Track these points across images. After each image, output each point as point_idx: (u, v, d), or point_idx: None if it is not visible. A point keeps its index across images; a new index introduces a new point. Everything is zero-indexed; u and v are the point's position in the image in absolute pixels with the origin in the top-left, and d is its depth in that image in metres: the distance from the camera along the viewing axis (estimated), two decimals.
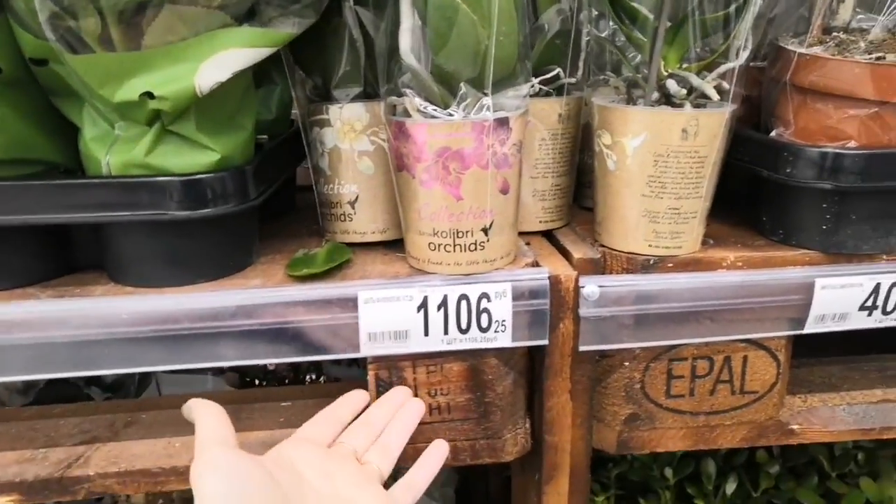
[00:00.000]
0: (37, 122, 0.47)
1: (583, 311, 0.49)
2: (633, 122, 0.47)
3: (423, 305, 0.48)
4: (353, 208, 0.53)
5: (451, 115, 0.44)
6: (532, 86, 0.49)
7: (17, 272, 0.49)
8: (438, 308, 0.48)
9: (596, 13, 0.54)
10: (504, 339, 0.49)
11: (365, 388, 0.51)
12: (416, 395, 0.51)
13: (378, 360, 0.50)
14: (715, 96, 0.47)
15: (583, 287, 0.49)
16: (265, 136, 0.57)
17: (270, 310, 0.47)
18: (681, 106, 0.47)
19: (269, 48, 0.44)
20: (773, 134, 0.52)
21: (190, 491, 0.37)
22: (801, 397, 0.58)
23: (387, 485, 0.46)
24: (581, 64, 0.54)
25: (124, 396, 0.93)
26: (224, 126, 0.47)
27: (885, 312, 0.51)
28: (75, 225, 0.49)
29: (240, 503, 0.36)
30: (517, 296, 0.48)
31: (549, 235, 0.58)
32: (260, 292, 0.47)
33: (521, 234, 0.55)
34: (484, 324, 0.48)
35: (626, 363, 0.53)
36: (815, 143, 0.48)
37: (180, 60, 0.42)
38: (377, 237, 0.54)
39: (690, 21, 0.46)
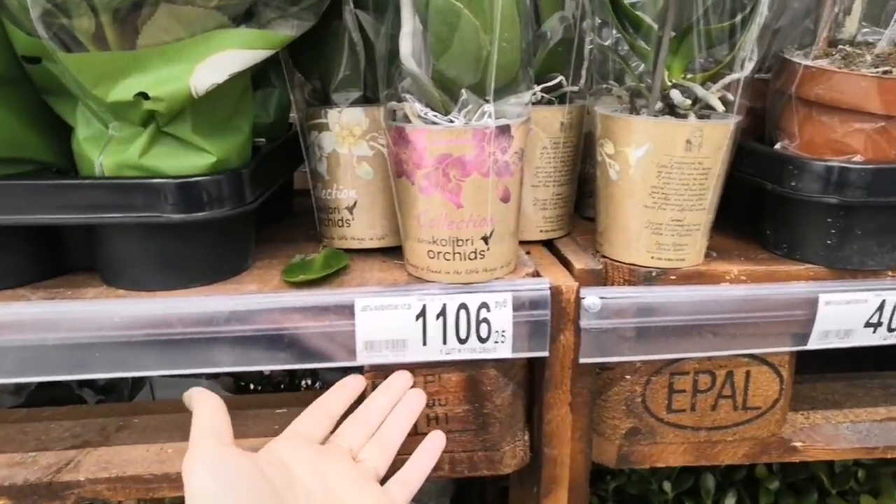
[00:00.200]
0: (29, 121, 0.46)
1: (584, 323, 0.48)
2: (637, 132, 0.46)
3: (422, 314, 0.47)
4: (352, 214, 0.53)
5: (451, 121, 0.43)
6: (534, 93, 0.48)
7: (7, 273, 0.48)
8: (437, 317, 0.47)
9: (599, 21, 0.54)
10: (504, 350, 0.48)
11: (362, 395, 0.50)
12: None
13: (375, 368, 0.49)
14: (720, 107, 0.46)
15: (584, 298, 0.48)
16: (263, 140, 0.57)
17: (266, 316, 0.46)
18: (685, 116, 0.47)
19: (267, 50, 0.44)
20: (777, 146, 0.51)
21: (182, 498, 0.37)
22: (803, 414, 0.57)
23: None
24: (584, 72, 0.54)
25: (118, 399, 0.93)
26: (220, 128, 0.46)
27: (890, 329, 0.50)
28: (67, 226, 0.49)
29: (230, 499, 0.35)
30: (517, 306, 0.47)
31: (549, 245, 0.57)
32: (255, 298, 0.46)
33: (521, 243, 0.54)
34: (483, 334, 0.47)
35: (627, 376, 0.52)
36: (821, 157, 0.48)
37: (176, 61, 0.41)
38: (375, 243, 0.53)
39: (695, 31, 0.45)
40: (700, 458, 0.55)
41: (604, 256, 0.51)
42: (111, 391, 0.92)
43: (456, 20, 0.40)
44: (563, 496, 0.55)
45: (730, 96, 0.47)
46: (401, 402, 0.48)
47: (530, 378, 0.53)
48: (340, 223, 0.53)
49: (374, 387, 0.49)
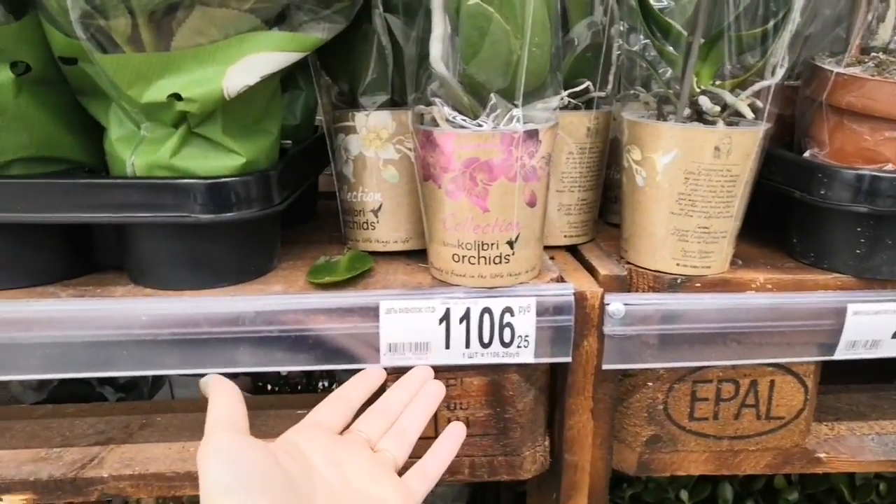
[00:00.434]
0: (63, 120, 0.47)
1: (607, 329, 0.48)
2: (665, 139, 0.46)
3: (446, 318, 0.47)
4: (377, 217, 0.53)
5: (480, 125, 0.44)
6: (562, 98, 0.48)
7: (38, 270, 0.48)
8: (461, 321, 0.47)
9: (627, 27, 0.54)
10: (526, 355, 0.48)
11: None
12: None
13: (397, 371, 0.49)
14: (749, 114, 0.46)
15: (608, 304, 0.48)
16: (289, 142, 0.57)
17: (291, 316, 0.46)
18: (713, 123, 0.46)
19: (299, 53, 0.44)
20: (806, 154, 0.51)
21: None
22: (827, 425, 0.57)
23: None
24: (611, 78, 0.54)
25: (137, 397, 0.94)
26: (250, 130, 0.47)
27: None
28: (98, 225, 0.49)
29: (244, 491, 0.35)
30: (541, 311, 0.47)
31: (573, 251, 0.57)
32: (281, 298, 0.47)
33: (545, 248, 0.54)
34: (506, 338, 0.47)
35: (650, 383, 0.51)
36: (851, 165, 0.47)
37: (209, 63, 0.41)
38: (399, 246, 0.54)
39: (725, 37, 0.45)
40: (721, 467, 0.54)
41: (628, 263, 0.51)
42: (131, 389, 0.93)
43: (487, 24, 0.40)
44: (582, 503, 0.54)
45: (759, 103, 0.46)
46: (420, 393, 0.47)
47: (552, 383, 0.53)
48: (365, 226, 0.53)
49: None
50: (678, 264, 0.49)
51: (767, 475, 0.75)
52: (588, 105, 0.53)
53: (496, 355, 0.48)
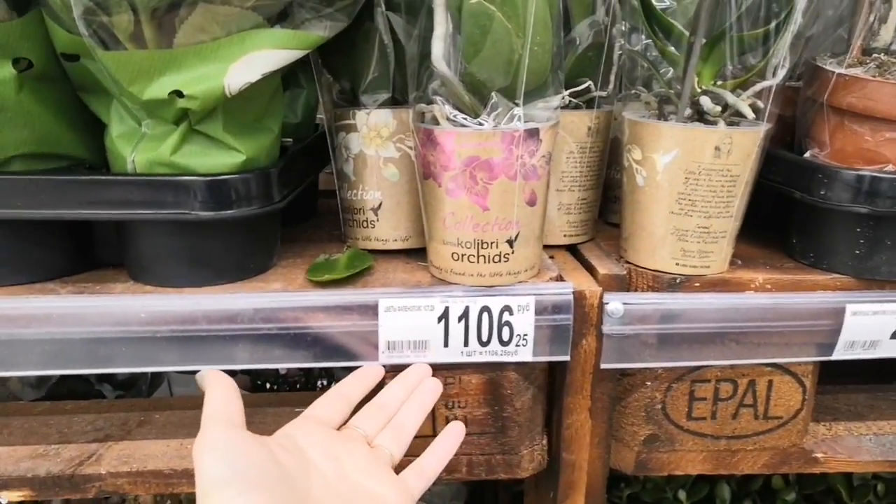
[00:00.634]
0: (64, 117, 0.47)
1: (606, 329, 0.48)
2: (665, 138, 0.46)
3: (444, 316, 0.47)
4: (377, 215, 0.53)
5: (480, 124, 0.44)
6: (563, 98, 0.48)
7: (38, 266, 0.48)
8: (459, 319, 0.47)
9: (629, 27, 0.54)
10: (525, 354, 0.48)
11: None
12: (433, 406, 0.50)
13: (396, 369, 0.49)
14: (750, 115, 0.46)
15: (607, 304, 0.48)
16: (290, 140, 0.57)
17: (290, 314, 0.46)
18: (714, 123, 0.46)
19: (300, 50, 0.44)
20: (807, 155, 0.51)
21: None
22: (825, 425, 0.57)
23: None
24: (612, 77, 0.54)
25: (136, 394, 0.93)
26: (251, 128, 0.46)
27: None
28: (98, 221, 0.49)
29: (240, 485, 0.34)
30: (540, 310, 0.47)
31: (573, 250, 0.57)
32: (280, 296, 0.47)
33: (544, 247, 0.54)
34: (505, 337, 0.48)
35: (648, 383, 0.51)
36: (852, 166, 0.47)
37: (211, 60, 0.41)
38: (399, 245, 0.54)
39: (727, 37, 0.45)
40: (719, 466, 0.54)
41: (628, 262, 0.51)
42: (130, 387, 0.92)
43: (489, 23, 0.40)
44: (580, 502, 0.55)
45: (760, 104, 0.46)
46: (417, 390, 0.47)
47: (550, 382, 0.53)
48: (365, 224, 0.53)
49: None
50: (677, 264, 0.49)
51: (765, 475, 0.75)
52: (589, 104, 0.53)
53: (495, 354, 0.48)
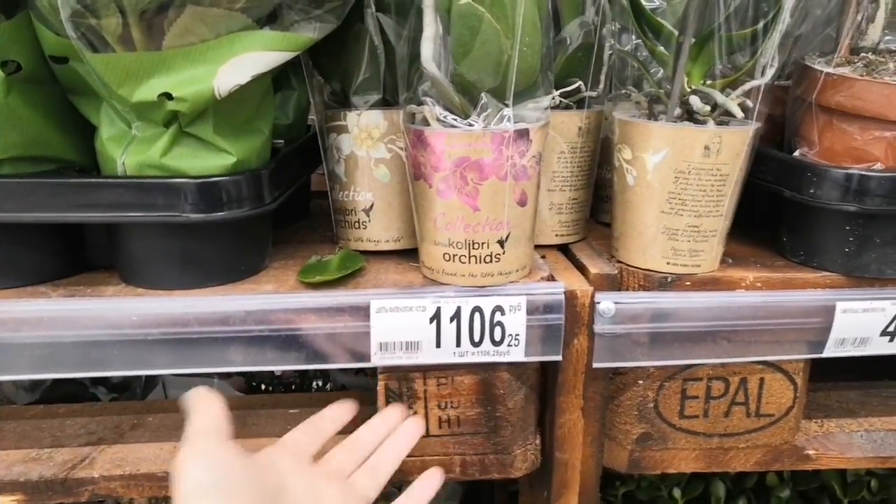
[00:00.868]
0: (54, 119, 0.46)
1: (598, 328, 0.48)
2: (655, 138, 0.46)
3: (436, 317, 0.47)
4: (368, 216, 0.53)
5: (470, 125, 0.44)
6: (553, 98, 0.48)
7: (29, 270, 0.48)
8: (451, 320, 0.47)
9: (619, 27, 0.54)
10: (517, 354, 0.48)
11: (374, 397, 0.50)
12: (425, 406, 0.50)
13: (388, 370, 0.49)
14: (739, 114, 0.46)
15: (598, 303, 0.48)
16: (281, 141, 0.57)
17: (281, 316, 0.46)
18: (703, 123, 0.47)
19: (290, 52, 0.44)
20: (796, 154, 0.51)
21: None
22: (817, 422, 0.57)
23: None
24: (603, 77, 0.54)
25: (130, 397, 0.93)
26: (241, 129, 0.46)
27: None
28: (89, 224, 0.49)
29: (221, 495, 0.34)
30: (531, 310, 0.47)
31: (564, 249, 0.57)
32: (271, 298, 0.47)
33: (536, 247, 0.54)
34: (497, 337, 0.48)
35: (640, 381, 0.52)
36: (840, 165, 0.48)
37: (200, 62, 0.41)
38: (391, 246, 0.54)
39: (716, 37, 0.45)
40: (712, 464, 0.54)
41: (619, 261, 0.51)
42: (124, 389, 0.92)
43: (478, 24, 0.41)
44: (573, 501, 0.55)
45: (749, 103, 0.47)
46: (397, 430, 0.48)
47: (543, 382, 0.53)
48: (357, 225, 0.53)
49: (386, 388, 0.50)
50: (668, 263, 0.49)
51: (759, 473, 0.75)
52: (579, 105, 0.54)
53: (487, 354, 0.48)
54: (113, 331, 0.45)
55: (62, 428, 0.56)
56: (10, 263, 0.47)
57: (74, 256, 0.50)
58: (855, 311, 0.49)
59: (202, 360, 0.47)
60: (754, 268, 0.51)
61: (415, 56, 0.45)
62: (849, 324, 0.49)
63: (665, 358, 0.50)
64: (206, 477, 0.35)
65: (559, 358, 0.49)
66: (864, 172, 0.46)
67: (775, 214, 0.55)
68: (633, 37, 0.53)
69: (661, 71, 0.50)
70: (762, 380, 0.52)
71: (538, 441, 0.54)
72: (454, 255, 0.47)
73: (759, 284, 0.50)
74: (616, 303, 0.48)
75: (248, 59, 0.42)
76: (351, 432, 0.48)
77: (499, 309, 0.47)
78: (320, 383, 1.01)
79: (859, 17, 0.49)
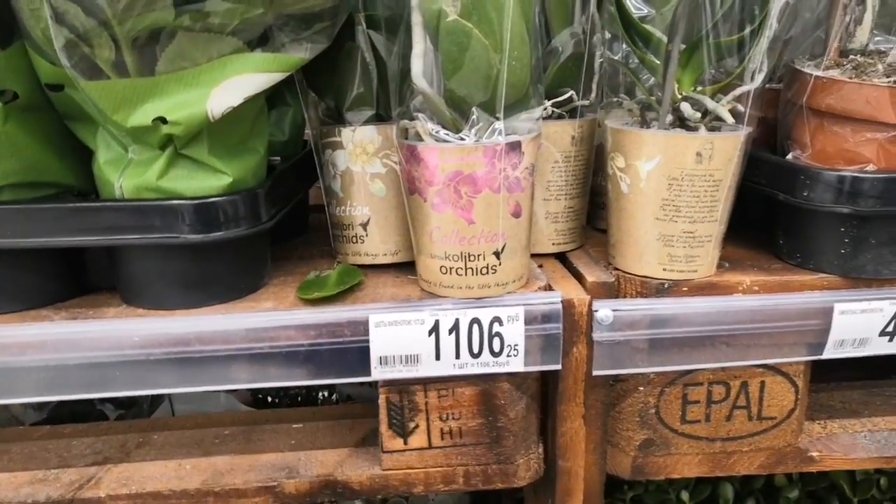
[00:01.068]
0: (51, 145, 0.47)
1: (596, 336, 0.49)
2: (647, 146, 0.47)
3: (435, 329, 0.47)
4: (365, 230, 0.53)
5: (462, 139, 0.44)
6: (545, 109, 0.48)
7: (31, 293, 0.49)
8: (450, 332, 0.47)
9: (609, 35, 0.54)
10: (516, 364, 0.48)
11: (377, 409, 0.51)
12: (427, 419, 0.50)
13: (389, 383, 0.49)
14: (730, 119, 0.46)
15: (596, 311, 0.48)
16: (278, 158, 0.58)
17: (282, 333, 0.47)
18: (695, 129, 0.47)
19: (282, 73, 0.44)
20: (789, 157, 0.51)
21: None
22: (820, 423, 0.57)
23: None
24: (594, 86, 0.54)
25: (137, 413, 0.94)
26: (236, 150, 0.47)
27: None
28: (89, 247, 0.50)
29: None
30: (530, 320, 0.47)
31: (562, 258, 0.57)
32: (271, 315, 0.47)
33: (533, 256, 0.54)
34: (496, 348, 0.48)
35: (641, 388, 0.52)
36: (833, 167, 0.48)
37: (193, 86, 0.42)
38: (389, 259, 0.54)
39: (705, 44, 0.46)
40: (715, 468, 0.54)
41: (616, 269, 0.51)
42: (131, 405, 0.93)
43: (466, 40, 0.41)
44: None
45: (740, 108, 0.47)
46: None
47: (543, 391, 0.54)
48: (354, 239, 0.54)
49: (387, 402, 0.50)
50: (665, 269, 0.49)
51: (768, 473, 0.75)
52: (572, 114, 0.54)
53: (486, 365, 0.48)
54: (116, 352, 0.46)
55: (68, 448, 0.57)
56: (13, 288, 0.48)
57: (76, 279, 0.51)
58: (853, 312, 0.49)
59: (205, 378, 0.47)
60: (751, 271, 0.51)
61: (406, 72, 0.45)
62: (847, 325, 0.49)
63: (665, 364, 0.50)
64: None
65: (559, 367, 0.49)
66: (856, 174, 0.46)
67: (771, 217, 0.55)
68: (623, 45, 0.53)
69: (652, 78, 0.50)
70: (763, 383, 0.52)
71: (541, 450, 0.54)
72: (451, 268, 0.47)
73: (756, 288, 0.50)
74: (614, 310, 0.48)
75: (241, 81, 0.42)
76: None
77: (497, 320, 0.48)
78: (326, 394, 1.01)
79: (847, 20, 0.49)
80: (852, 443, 0.55)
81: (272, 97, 0.59)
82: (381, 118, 0.52)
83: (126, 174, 0.45)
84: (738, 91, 0.47)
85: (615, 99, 0.53)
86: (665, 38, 0.47)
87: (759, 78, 0.46)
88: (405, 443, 0.51)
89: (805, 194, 0.48)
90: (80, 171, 0.49)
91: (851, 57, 0.49)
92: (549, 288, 0.50)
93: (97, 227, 0.45)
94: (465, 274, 0.47)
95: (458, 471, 0.52)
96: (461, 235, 0.46)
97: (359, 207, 0.53)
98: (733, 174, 0.47)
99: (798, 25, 0.54)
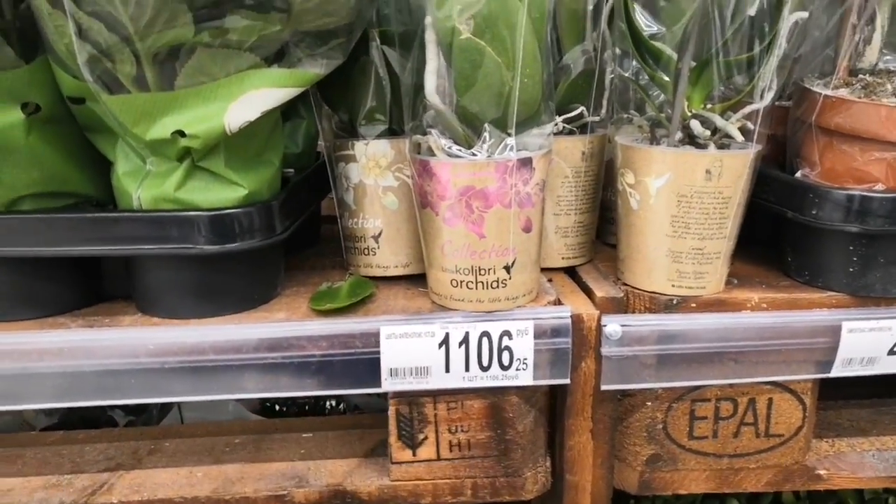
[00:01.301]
0: (72, 156, 0.48)
1: (605, 351, 0.49)
2: (657, 163, 0.47)
3: (445, 342, 0.48)
4: (377, 242, 0.54)
5: (474, 154, 0.45)
6: (556, 125, 0.49)
7: (49, 301, 0.50)
8: (460, 345, 0.48)
9: (620, 52, 0.55)
10: (525, 378, 0.49)
11: (386, 419, 0.51)
12: (436, 430, 0.51)
13: (399, 395, 0.50)
14: (739, 137, 0.47)
15: (605, 326, 0.49)
16: (291, 170, 0.58)
17: (294, 343, 0.47)
18: (705, 146, 0.47)
19: (297, 88, 0.45)
20: (798, 175, 0.52)
21: None
22: (828, 441, 0.57)
23: None
24: (605, 102, 0.55)
25: (147, 420, 0.94)
26: (252, 162, 0.48)
27: None
28: (106, 257, 0.51)
29: None
30: (539, 334, 0.48)
31: (571, 272, 0.57)
32: (283, 326, 0.48)
33: (543, 270, 0.55)
34: (505, 361, 0.48)
35: (649, 403, 0.52)
36: (842, 186, 0.48)
37: (211, 100, 0.43)
38: (400, 271, 0.55)
39: (714, 62, 0.46)
40: (722, 485, 0.54)
41: (625, 284, 0.52)
42: (141, 412, 0.94)
43: (479, 58, 0.42)
44: None
45: (749, 125, 0.47)
46: None
47: (552, 405, 0.54)
48: (366, 251, 0.54)
49: (397, 413, 0.50)
50: (673, 285, 0.49)
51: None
52: (583, 129, 0.54)
53: (495, 378, 0.49)
54: (131, 360, 0.47)
55: (81, 454, 0.58)
56: (32, 295, 0.49)
57: (93, 288, 0.52)
58: (861, 331, 0.49)
59: (217, 387, 0.48)
60: (759, 288, 0.51)
61: (419, 87, 0.46)
62: (855, 343, 0.49)
63: (672, 379, 0.50)
64: None
65: (567, 381, 0.50)
66: (865, 193, 0.46)
67: (780, 234, 0.55)
68: (634, 62, 0.54)
69: (662, 95, 0.50)
70: (770, 400, 0.52)
71: (548, 463, 0.54)
72: (461, 282, 0.48)
73: (764, 305, 0.50)
74: (623, 325, 0.49)
75: (258, 95, 0.43)
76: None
77: (506, 334, 0.48)
78: (334, 403, 1.02)
79: (856, 39, 0.49)
80: (860, 461, 0.55)
81: (286, 110, 0.60)
82: (393, 132, 0.53)
83: (144, 185, 0.46)
84: (747, 109, 0.47)
85: (625, 115, 0.54)
86: (675, 56, 0.48)
87: (769, 96, 0.46)
88: (414, 454, 0.51)
89: (814, 212, 0.48)
90: (100, 181, 0.50)
91: (860, 76, 0.50)
92: (558, 302, 0.50)
93: (115, 237, 0.46)
94: (476, 287, 0.47)
95: (466, 483, 0.52)
96: (472, 249, 0.46)
97: (371, 220, 0.53)
98: (742, 191, 0.47)
99: (807, 44, 0.55)
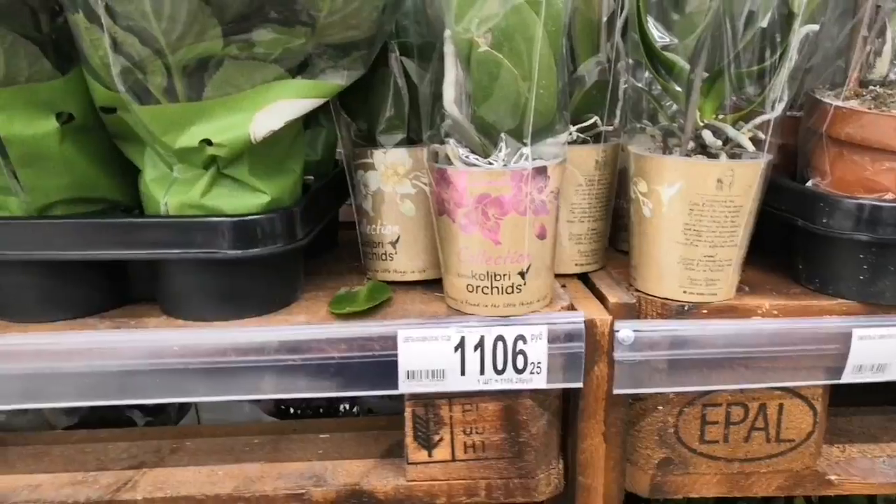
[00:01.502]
0: (101, 163, 0.50)
1: (617, 355, 0.50)
2: (669, 172, 0.48)
3: (461, 346, 0.49)
4: (395, 248, 0.55)
5: (490, 163, 0.46)
6: (570, 134, 0.50)
7: (78, 303, 0.51)
8: (475, 349, 0.49)
9: (633, 62, 0.56)
10: (539, 381, 0.50)
11: (402, 421, 0.52)
12: (451, 432, 0.52)
13: (415, 397, 0.51)
14: (750, 147, 0.48)
15: (618, 331, 0.50)
16: (311, 177, 0.60)
17: (314, 346, 0.49)
18: (716, 156, 0.48)
19: (320, 98, 0.47)
20: (809, 184, 0.52)
21: None
22: (839, 447, 0.58)
23: None
24: (618, 112, 0.56)
25: (164, 420, 0.96)
26: (275, 170, 0.49)
27: None
28: (133, 261, 0.52)
29: None
30: (553, 338, 0.49)
31: (584, 278, 0.59)
32: (304, 329, 0.49)
33: (557, 276, 0.56)
34: (520, 365, 0.49)
35: (660, 407, 0.53)
36: (852, 195, 0.49)
37: (237, 110, 0.44)
38: (417, 276, 0.56)
39: (726, 73, 0.47)
40: (733, 489, 0.55)
41: (637, 290, 0.53)
42: (159, 413, 0.95)
43: (497, 70, 0.43)
44: None
45: (761, 135, 0.48)
46: None
47: (565, 408, 0.55)
48: (384, 257, 0.56)
49: (413, 415, 0.52)
50: (685, 292, 0.50)
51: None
52: (596, 139, 0.56)
53: (510, 381, 0.50)
54: (156, 360, 0.48)
55: (105, 452, 0.59)
56: (62, 297, 0.51)
57: (120, 290, 0.53)
58: (872, 338, 0.50)
59: (238, 388, 0.49)
60: (770, 295, 0.52)
61: (437, 97, 0.47)
62: (866, 350, 0.50)
63: (684, 384, 0.51)
64: None
65: (580, 385, 0.51)
66: (875, 203, 0.47)
67: (791, 242, 0.56)
68: (646, 72, 0.55)
69: (675, 105, 0.51)
70: (781, 405, 0.53)
71: (561, 466, 0.55)
72: (477, 287, 0.49)
73: (775, 312, 0.51)
74: (635, 331, 0.50)
75: (282, 106, 0.45)
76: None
77: (521, 338, 0.49)
78: (348, 406, 1.03)
79: (867, 51, 0.50)
80: (871, 468, 0.56)
81: (307, 118, 0.62)
82: (411, 141, 0.54)
83: (171, 192, 0.47)
84: (758, 119, 0.48)
85: (638, 125, 0.55)
86: (688, 67, 0.49)
87: (780, 107, 0.47)
88: (430, 455, 0.52)
89: (824, 221, 0.49)
90: (128, 188, 0.52)
91: (871, 87, 0.50)
92: (572, 308, 0.51)
93: (142, 241, 0.47)
94: (491, 293, 0.49)
95: (480, 483, 0.53)
96: (488, 256, 0.47)
97: (389, 226, 0.55)
98: (753, 200, 0.48)
99: (819, 55, 0.56)
